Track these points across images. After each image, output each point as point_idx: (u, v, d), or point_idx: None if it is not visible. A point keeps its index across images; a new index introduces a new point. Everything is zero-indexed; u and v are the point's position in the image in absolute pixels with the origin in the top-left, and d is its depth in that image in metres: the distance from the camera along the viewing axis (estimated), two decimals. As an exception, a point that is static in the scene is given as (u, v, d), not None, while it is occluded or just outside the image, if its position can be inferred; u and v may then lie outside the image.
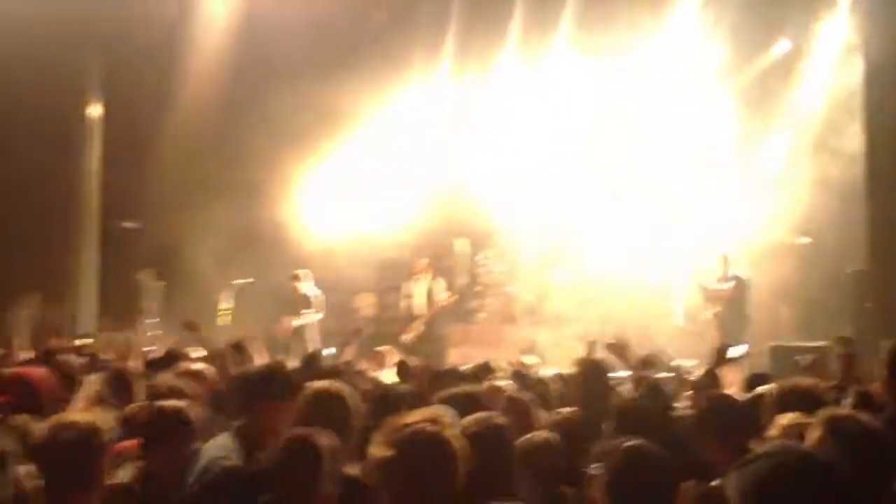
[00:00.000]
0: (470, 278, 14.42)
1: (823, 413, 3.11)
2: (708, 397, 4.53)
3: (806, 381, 4.51)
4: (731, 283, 10.82)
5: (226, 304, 12.62)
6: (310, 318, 12.85)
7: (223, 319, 12.43)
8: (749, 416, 4.33)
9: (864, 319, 9.50)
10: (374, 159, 15.19)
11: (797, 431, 3.25)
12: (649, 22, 13.12)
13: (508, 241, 14.02)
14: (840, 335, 5.73)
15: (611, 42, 13.42)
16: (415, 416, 2.74)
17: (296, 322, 12.78)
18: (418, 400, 5.60)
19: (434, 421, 2.70)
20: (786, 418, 3.39)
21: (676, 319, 11.47)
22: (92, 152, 14.77)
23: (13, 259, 13.47)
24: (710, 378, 6.12)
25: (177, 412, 3.94)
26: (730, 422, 4.10)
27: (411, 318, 13.03)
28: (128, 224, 14.56)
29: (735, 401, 4.72)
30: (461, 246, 14.62)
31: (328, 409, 3.83)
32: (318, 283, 13.55)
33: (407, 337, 12.75)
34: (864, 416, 3.10)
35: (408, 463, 2.56)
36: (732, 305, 10.72)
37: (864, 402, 4.41)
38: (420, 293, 13.08)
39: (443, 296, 13.02)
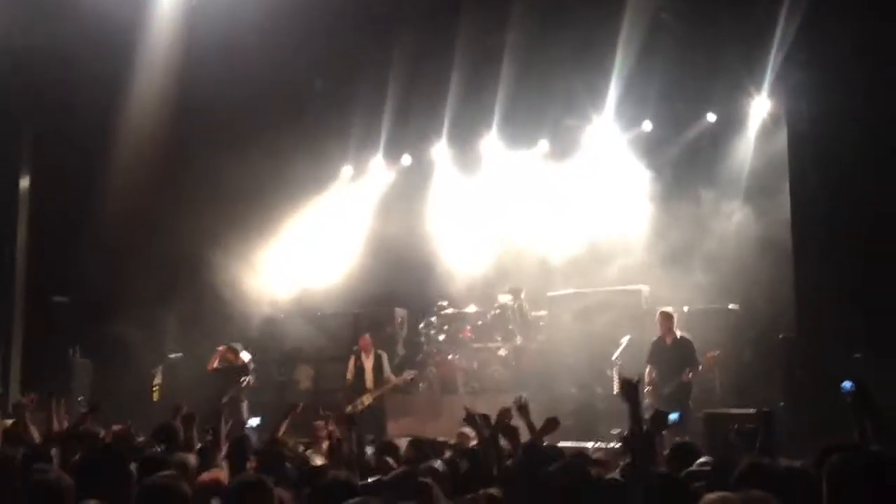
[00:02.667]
0: (410, 348, 14.34)
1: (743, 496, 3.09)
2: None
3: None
4: (672, 344, 10.72)
5: (157, 378, 12.31)
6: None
7: (156, 395, 12.11)
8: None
9: (794, 386, 9.60)
10: (315, 228, 15.25)
11: None
12: (579, 104, 13.49)
13: (449, 309, 14.02)
14: (762, 410, 5.73)
15: (540, 128, 13.86)
16: None
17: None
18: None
19: None
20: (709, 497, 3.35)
21: (614, 386, 11.45)
22: (21, 225, 14.44)
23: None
24: (647, 444, 6.02)
25: None
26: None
27: (358, 391, 12.77)
28: (57, 298, 14.21)
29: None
30: (401, 315, 14.60)
31: None
32: (259, 355, 13.35)
33: (351, 409, 12.51)
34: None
35: None
36: (672, 367, 10.63)
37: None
38: (368, 367, 12.86)
39: (387, 370, 12.84)
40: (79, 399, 13.25)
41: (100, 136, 13.78)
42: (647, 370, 10.54)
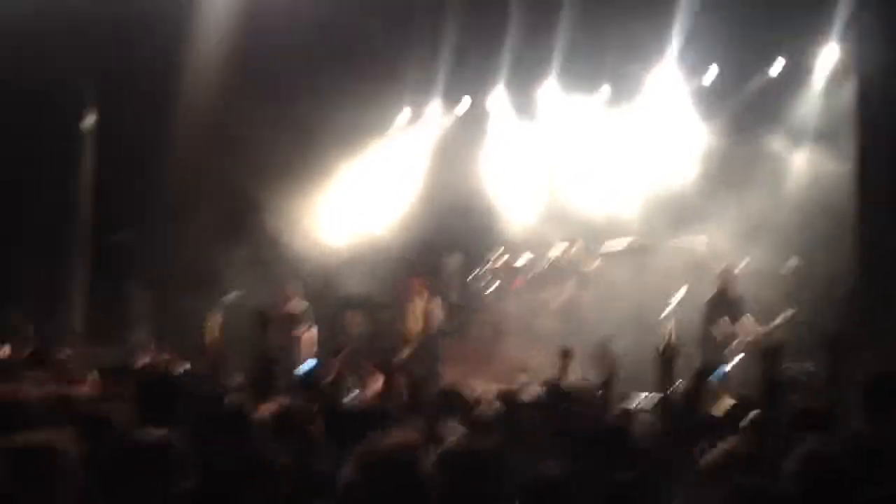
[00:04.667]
0: (462, 295, 14.38)
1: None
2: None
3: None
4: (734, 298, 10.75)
5: (214, 319, 12.57)
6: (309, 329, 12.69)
7: (207, 336, 12.38)
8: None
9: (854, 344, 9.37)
10: (371, 173, 15.28)
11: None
12: (641, 49, 13.16)
13: (503, 258, 13.99)
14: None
15: (602, 72, 13.58)
16: (389, 439, 2.61)
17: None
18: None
19: (408, 445, 2.57)
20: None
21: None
22: (86, 163, 14.76)
23: (5, 270, 13.46)
24: (696, 398, 6.01)
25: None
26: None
27: (407, 336, 12.99)
28: (120, 233, 14.54)
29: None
30: (454, 262, 14.62)
31: None
32: (311, 298, 13.52)
33: (403, 355, 12.74)
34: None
35: (373, 487, 2.45)
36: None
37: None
38: (416, 312, 13.04)
39: (439, 315, 12.98)
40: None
41: (164, 75, 13.93)
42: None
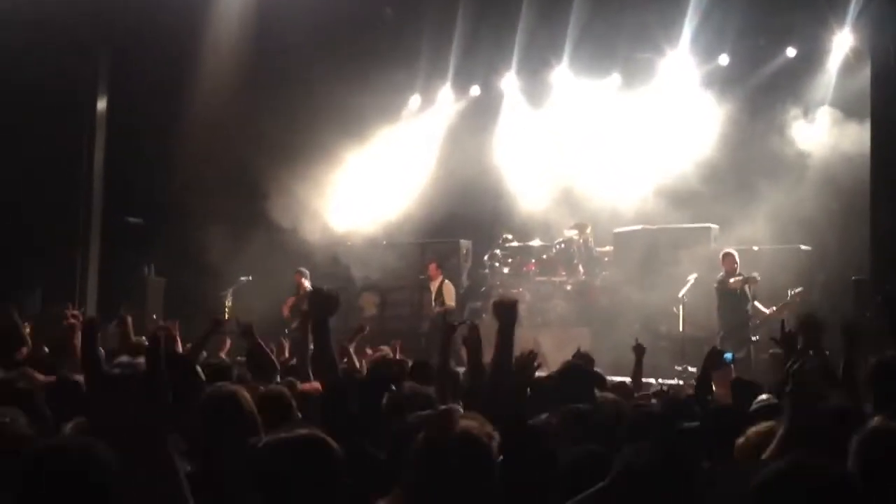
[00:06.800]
0: (474, 279, 14.45)
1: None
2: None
3: None
4: (739, 279, 10.86)
5: (228, 301, 12.64)
6: None
7: (227, 317, 12.43)
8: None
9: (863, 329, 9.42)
10: (382, 158, 15.31)
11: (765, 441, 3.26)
12: (653, 36, 13.19)
13: (514, 242, 14.05)
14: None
15: (612, 60, 13.62)
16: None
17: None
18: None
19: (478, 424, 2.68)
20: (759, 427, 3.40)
21: (678, 324, 11.44)
22: (98, 146, 14.77)
23: (17, 252, 13.51)
24: (704, 383, 6.07)
25: None
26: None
27: (423, 318, 13.18)
28: (132, 219, 14.58)
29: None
30: (466, 246, 14.68)
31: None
32: (324, 282, 13.57)
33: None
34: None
35: (453, 459, 2.53)
36: (739, 302, 10.78)
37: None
38: (432, 295, 13.25)
39: (451, 300, 13.12)
40: (153, 316, 13.72)
41: (176, 57, 13.96)
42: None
